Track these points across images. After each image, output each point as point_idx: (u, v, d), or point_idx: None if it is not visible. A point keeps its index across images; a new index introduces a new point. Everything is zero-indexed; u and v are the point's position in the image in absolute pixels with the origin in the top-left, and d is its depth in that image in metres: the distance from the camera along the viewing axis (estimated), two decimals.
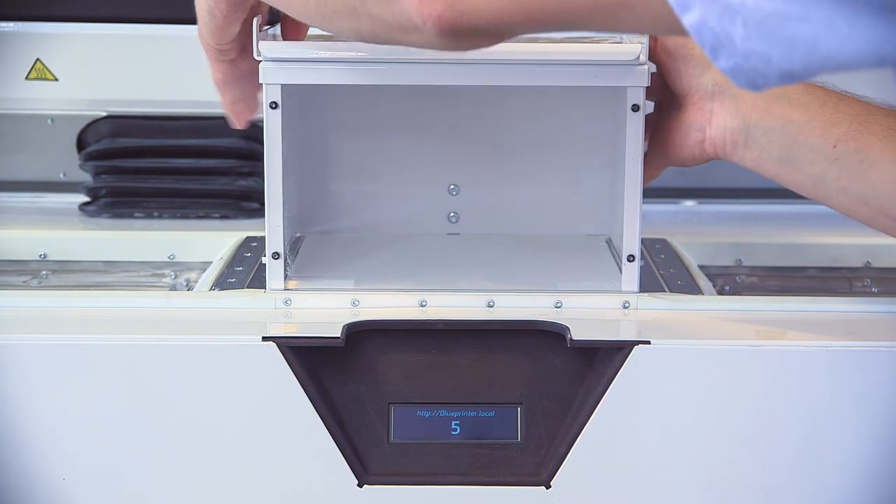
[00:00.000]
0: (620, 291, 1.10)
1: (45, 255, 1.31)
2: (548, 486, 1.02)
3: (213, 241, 1.30)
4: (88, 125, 1.48)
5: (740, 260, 1.31)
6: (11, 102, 1.46)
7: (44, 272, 1.29)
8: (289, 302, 1.09)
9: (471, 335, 1.04)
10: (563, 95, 1.25)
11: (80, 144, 1.49)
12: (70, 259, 1.31)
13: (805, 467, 1.02)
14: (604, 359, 1.01)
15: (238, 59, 1.09)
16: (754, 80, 0.80)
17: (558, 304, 1.09)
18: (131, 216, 1.44)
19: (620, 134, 1.12)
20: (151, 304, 1.09)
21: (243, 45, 1.08)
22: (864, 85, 1.06)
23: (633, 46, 1.06)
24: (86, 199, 1.45)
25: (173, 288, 1.27)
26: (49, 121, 1.49)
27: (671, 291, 1.14)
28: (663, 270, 1.21)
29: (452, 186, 1.28)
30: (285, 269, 1.10)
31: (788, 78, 0.80)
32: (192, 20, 1.07)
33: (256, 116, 1.12)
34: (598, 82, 1.08)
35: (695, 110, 1.10)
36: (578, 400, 1.02)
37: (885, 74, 0.87)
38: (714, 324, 1.06)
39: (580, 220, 1.27)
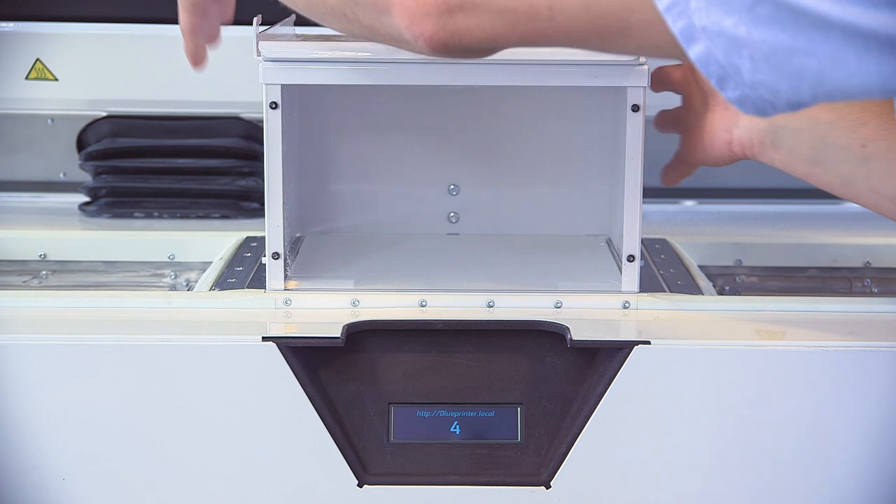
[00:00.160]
0: (620, 291, 1.10)
1: (45, 256, 1.31)
2: (548, 487, 1.02)
3: (213, 241, 1.30)
4: (88, 125, 1.47)
5: (740, 260, 1.31)
6: (11, 102, 1.46)
7: (44, 272, 1.29)
8: (289, 302, 1.09)
9: (471, 335, 1.04)
10: (564, 95, 1.25)
11: (80, 144, 1.49)
12: (70, 259, 1.31)
13: (805, 467, 1.01)
14: (604, 359, 1.01)
15: (208, 8, 1.08)
16: (762, 109, 0.81)
17: (558, 305, 1.09)
18: (131, 216, 1.44)
19: (620, 134, 1.12)
20: (151, 304, 1.09)
21: None
22: None
23: None
24: (86, 199, 1.45)
25: (173, 288, 1.27)
26: (49, 121, 1.49)
27: (671, 291, 1.14)
28: (663, 270, 1.21)
29: (452, 186, 1.28)
30: (285, 269, 1.10)
31: (797, 106, 0.81)
32: None
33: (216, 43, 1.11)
34: (598, 82, 1.08)
35: (721, 111, 1.10)
36: (578, 400, 1.02)
37: None
38: (714, 324, 1.06)
39: (580, 220, 1.28)
